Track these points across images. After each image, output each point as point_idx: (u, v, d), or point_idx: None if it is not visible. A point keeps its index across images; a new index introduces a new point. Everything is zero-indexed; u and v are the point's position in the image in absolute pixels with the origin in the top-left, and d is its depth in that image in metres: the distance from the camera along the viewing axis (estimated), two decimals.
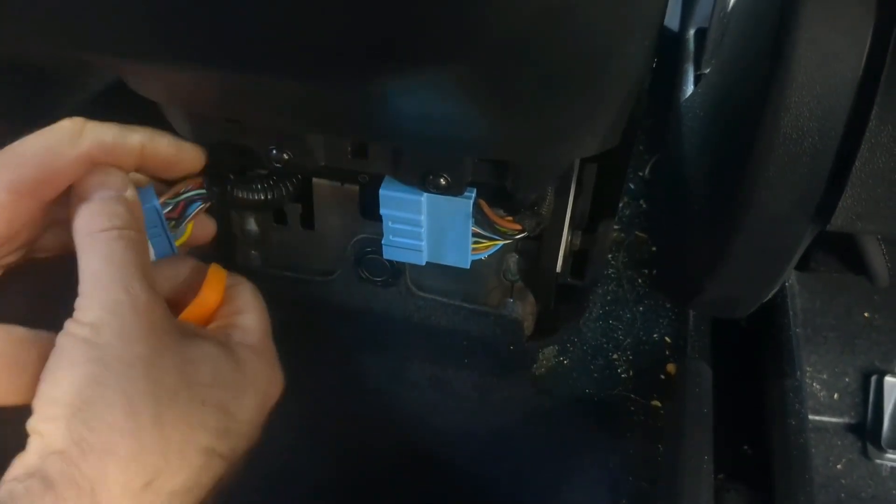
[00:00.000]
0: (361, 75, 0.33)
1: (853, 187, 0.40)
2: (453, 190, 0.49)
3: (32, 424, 0.37)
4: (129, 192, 0.43)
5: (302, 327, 0.65)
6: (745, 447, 0.66)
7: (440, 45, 0.27)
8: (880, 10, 0.38)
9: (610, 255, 0.72)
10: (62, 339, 0.38)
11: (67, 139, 0.41)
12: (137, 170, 0.45)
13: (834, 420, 0.74)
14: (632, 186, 0.81)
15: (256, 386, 0.44)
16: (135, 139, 0.44)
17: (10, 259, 0.43)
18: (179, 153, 0.47)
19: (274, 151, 0.50)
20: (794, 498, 0.55)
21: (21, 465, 0.36)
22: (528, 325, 0.66)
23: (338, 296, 0.65)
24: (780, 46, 0.38)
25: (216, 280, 0.48)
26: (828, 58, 0.37)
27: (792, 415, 0.61)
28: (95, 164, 0.42)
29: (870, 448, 0.72)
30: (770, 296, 0.52)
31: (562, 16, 0.27)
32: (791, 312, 0.72)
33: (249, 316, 0.47)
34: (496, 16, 0.26)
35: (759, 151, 0.41)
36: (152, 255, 0.47)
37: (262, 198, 0.54)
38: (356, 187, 0.58)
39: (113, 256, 0.40)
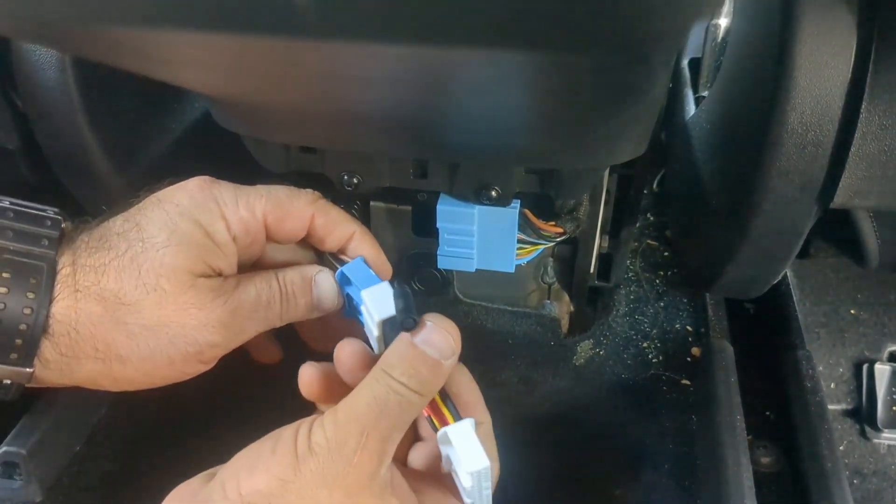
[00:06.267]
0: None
1: (850, 169, 0.46)
2: (503, 201, 0.53)
3: None
4: (450, 361, 0.42)
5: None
6: (768, 413, 0.70)
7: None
8: (860, 28, 0.45)
9: (628, 261, 0.77)
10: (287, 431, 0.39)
11: (303, 194, 0.49)
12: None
13: (832, 407, 0.77)
14: None
15: None
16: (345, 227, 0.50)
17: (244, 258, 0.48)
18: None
19: (345, 176, 0.54)
20: (818, 448, 0.61)
21: None
22: (565, 323, 0.71)
23: None
24: (784, 58, 0.45)
25: None
26: (823, 65, 0.45)
27: (807, 378, 0.67)
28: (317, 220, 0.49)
29: (867, 430, 0.76)
30: (780, 277, 0.59)
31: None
32: (794, 295, 0.77)
33: None
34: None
35: (771, 145, 0.47)
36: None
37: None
38: (409, 208, 0.62)
39: (381, 404, 0.39)
